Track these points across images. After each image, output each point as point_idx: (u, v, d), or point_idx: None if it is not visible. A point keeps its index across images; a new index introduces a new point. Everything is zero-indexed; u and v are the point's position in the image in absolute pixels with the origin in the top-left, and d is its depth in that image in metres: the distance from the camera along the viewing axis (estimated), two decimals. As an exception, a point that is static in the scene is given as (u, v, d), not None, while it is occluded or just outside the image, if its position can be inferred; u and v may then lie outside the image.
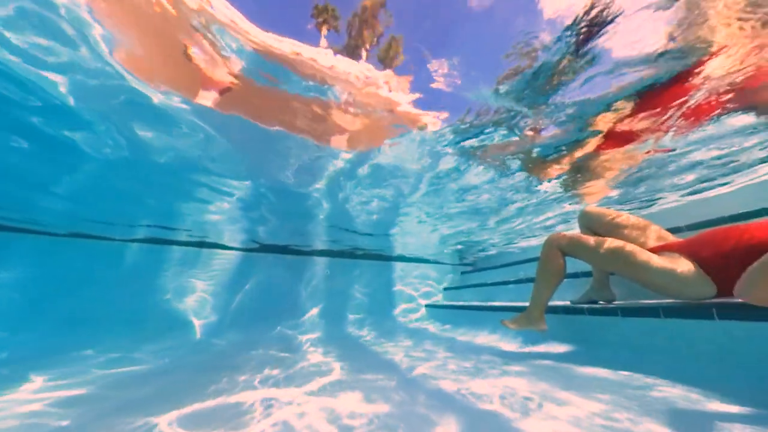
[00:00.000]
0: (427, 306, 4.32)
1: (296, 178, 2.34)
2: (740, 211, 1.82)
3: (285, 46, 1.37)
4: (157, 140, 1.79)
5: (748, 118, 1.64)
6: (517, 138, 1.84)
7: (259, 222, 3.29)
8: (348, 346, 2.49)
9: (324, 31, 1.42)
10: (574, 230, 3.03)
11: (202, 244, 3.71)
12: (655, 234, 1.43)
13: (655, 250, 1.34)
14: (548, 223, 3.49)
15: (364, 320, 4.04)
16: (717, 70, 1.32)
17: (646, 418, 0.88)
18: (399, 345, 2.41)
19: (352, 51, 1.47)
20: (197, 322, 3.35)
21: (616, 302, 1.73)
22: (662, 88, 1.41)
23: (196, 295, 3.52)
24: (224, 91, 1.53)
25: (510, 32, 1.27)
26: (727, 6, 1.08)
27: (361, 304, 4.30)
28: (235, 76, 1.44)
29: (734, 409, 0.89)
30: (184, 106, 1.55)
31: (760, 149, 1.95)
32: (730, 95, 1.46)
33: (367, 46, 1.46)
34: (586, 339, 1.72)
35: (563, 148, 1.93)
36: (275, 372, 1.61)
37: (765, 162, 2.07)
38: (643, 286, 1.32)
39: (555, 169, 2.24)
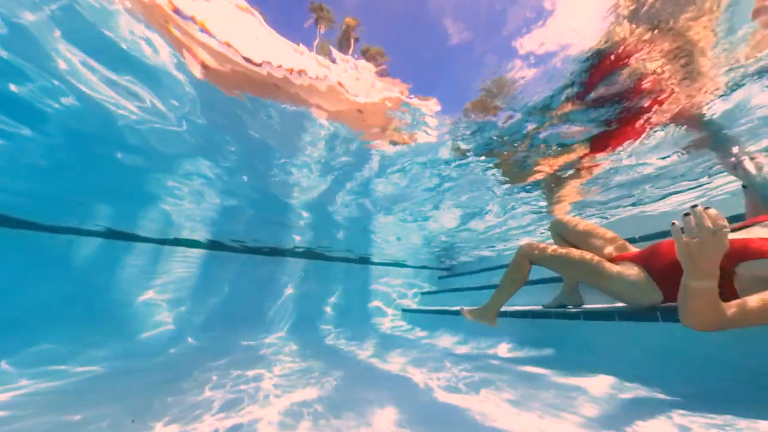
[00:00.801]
0: (403, 310, 4.41)
1: (276, 165, 2.28)
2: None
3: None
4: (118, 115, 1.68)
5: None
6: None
7: (229, 218, 3.20)
8: (320, 350, 2.49)
9: (322, 29, 1.49)
10: (548, 240, 3.26)
11: (164, 241, 3.53)
12: (616, 244, 1.62)
13: (614, 260, 1.51)
14: (528, 229, 3.73)
15: (338, 324, 4.03)
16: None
17: (595, 414, 1.01)
18: (373, 349, 2.45)
19: (342, 44, 1.58)
20: (152, 327, 3.15)
21: (584, 307, 1.92)
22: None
23: (153, 297, 3.30)
24: (204, 65, 1.50)
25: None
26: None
27: (336, 308, 4.29)
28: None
29: (675, 400, 1.04)
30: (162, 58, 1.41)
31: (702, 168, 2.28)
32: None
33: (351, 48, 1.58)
34: (554, 341, 1.88)
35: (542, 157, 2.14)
36: (239, 385, 1.49)
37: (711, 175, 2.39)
38: (602, 292, 1.49)
39: (533, 177, 2.45)
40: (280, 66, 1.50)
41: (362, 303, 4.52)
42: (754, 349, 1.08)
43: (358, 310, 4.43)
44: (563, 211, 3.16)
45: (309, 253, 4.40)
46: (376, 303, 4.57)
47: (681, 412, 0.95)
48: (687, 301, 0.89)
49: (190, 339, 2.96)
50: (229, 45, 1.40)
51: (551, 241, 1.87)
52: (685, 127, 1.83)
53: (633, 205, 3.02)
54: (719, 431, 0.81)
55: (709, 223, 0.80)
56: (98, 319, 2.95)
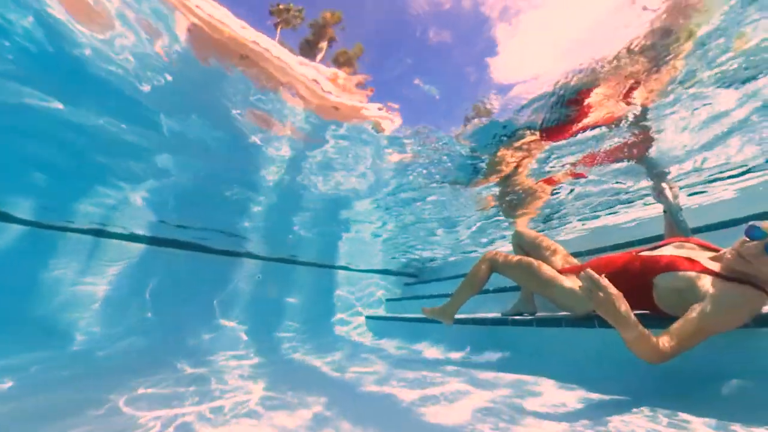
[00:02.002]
0: (367, 317, 4.48)
1: (234, 146, 2.19)
2: (628, 240, 2.49)
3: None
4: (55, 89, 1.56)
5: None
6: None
7: (179, 210, 3.01)
8: (275, 360, 2.46)
9: (278, 29, 1.53)
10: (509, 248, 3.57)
11: (100, 233, 3.19)
12: (564, 258, 1.88)
13: (561, 272, 1.76)
14: (492, 236, 4.04)
15: (297, 332, 3.97)
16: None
17: (542, 412, 1.19)
18: (334, 357, 2.47)
19: (307, 51, 1.64)
20: (84, 328, 2.84)
21: (537, 315, 2.17)
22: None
23: (87, 295, 2.98)
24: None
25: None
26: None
27: (295, 314, 4.21)
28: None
29: (606, 398, 1.26)
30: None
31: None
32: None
33: (323, 46, 1.64)
34: (510, 346, 2.10)
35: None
36: (181, 390, 1.45)
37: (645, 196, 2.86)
38: (548, 300, 1.73)
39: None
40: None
41: (324, 308, 4.49)
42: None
43: (320, 315, 4.40)
44: (524, 224, 3.51)
45: (268, 254, 4.26)
46: (338, 309, 4.56)
47: (611, 408, 1.16)
48: (632, 349, 1.05)
49: (126, 344, 2.73)
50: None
51: (512, 251, 2.11)
52: (633, 161, 2.21)
53: (586, 220, 3.47)
54: (646, 421, 1.02)
55: (592, 285, 1.01)
56: (18, 321, 2.58)
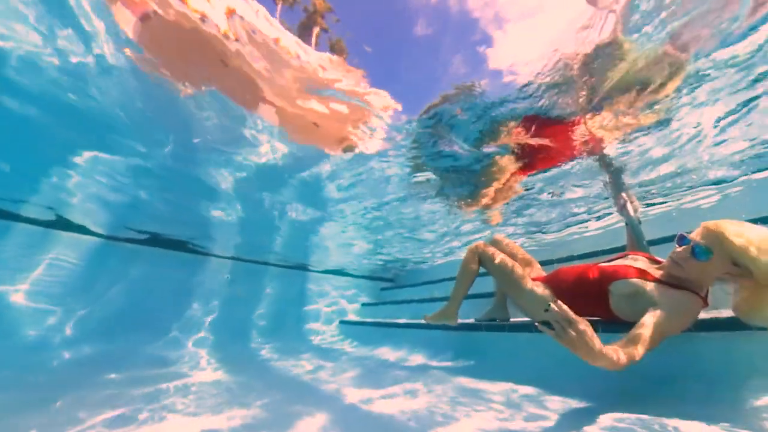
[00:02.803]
0: (341, 322, 4.47)
1: (209, 151, 2.20)
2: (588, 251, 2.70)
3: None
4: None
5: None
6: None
7: (144, 203, 2.86)
8: (241, 364, 2.42)
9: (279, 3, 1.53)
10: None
11: (54, 224, 2.95)
12: (532, 267, 2.03)
13: (531, 280, 1.89)
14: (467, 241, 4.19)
15: (268, 335, 3.89)
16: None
17: (512, 414, 1.28)
18: (303, 363, 2.46)
19: (302, 31, 1.64)
20: (33, 329, 2.62)
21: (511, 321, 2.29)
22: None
23: (37, 293, 2.75)
24: (144, 18, 1.40)
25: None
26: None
27: (266, 317, 4.12)
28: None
29: (569, 399, 1.38)
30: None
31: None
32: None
33: (317, 32, 1.65)
34: (484, 352, 2.20)
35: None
36: (132, 396, 1.39)
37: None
38: (515, 305, 1.85)
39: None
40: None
41: (296, 312, 4.43)
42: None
43: (291, 319, 4.33)
44: (496, 221, 3.67)
45: (239, 254, 4.13)
46: (312, 313, 4.52)
47: (575, 407, 1.27)
48: (597, 365, 1.07)
49: (76, 345, 2.54)
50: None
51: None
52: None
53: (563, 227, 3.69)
54: (613, 421, 1.13)
55: (564, 322, 1.00)
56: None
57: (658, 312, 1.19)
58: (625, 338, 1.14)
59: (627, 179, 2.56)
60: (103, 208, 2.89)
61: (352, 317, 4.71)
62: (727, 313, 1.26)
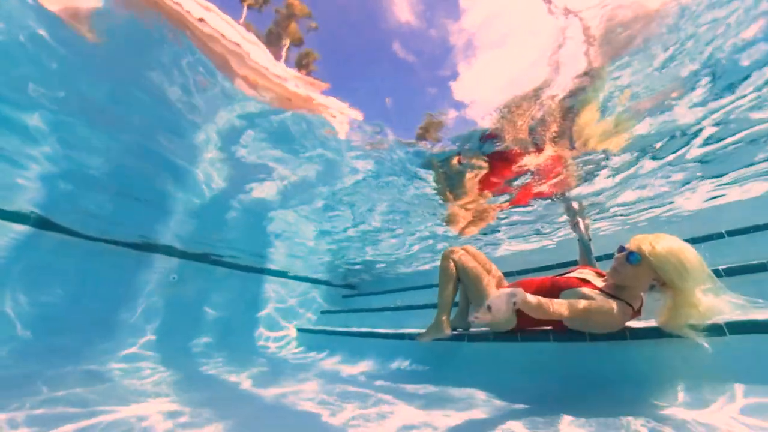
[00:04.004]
0: (299, 330, 4.36)
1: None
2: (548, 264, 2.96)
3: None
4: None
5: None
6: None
7: (80, 187, 2.59)
8: (186, 373, 2.28)
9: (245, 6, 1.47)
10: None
11: None
12: (497, 278, 2.18)
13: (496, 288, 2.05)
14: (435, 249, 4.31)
15: (217, 342, 3.67)
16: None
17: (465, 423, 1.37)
18: (256, 374, 2.38)
19: (272, 41, 1.59)
20: None
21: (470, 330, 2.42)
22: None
23: None
24: None
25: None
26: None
27: (216, 322, 3.89)
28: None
29: (523, 404, 1.51)
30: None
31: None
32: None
33: (287, 43, 1.61)
34: (443, 361, 2.31)
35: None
36: (63, 407, 1.30)
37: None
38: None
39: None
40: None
41: (249, 317, 4.23)
42: (573, 359, 1.68)
43: (243, 324, 4.12)
44: (470, 234, 3.87)
45: (186, 250, 3.86)
46: (266, 319, 4.35)
47: (528, 411, 1.39)
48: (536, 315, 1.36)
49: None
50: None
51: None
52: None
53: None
54: (569, 424, 1.25)
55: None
56: None
57: (591, 302, 1.42)
58: (562, 300, 1.41)
59: (580, 200, 2.88)
60: (32, 194, 2.57)
61: (310, 325, 4.61)
62: (654, 322, 1.48)
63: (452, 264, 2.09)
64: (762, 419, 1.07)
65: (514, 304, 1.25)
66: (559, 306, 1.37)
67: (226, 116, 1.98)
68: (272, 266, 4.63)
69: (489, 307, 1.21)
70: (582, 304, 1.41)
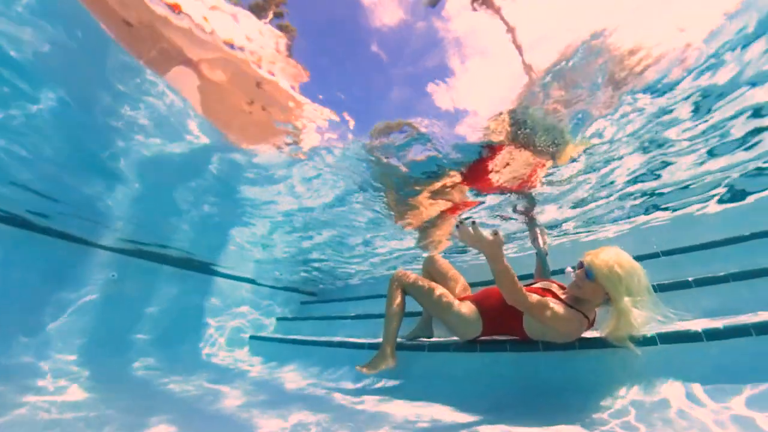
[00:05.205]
0: (251, 337, 4.15)
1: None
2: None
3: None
4: None
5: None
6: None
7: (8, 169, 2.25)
8: (122, 383, 2.08)
9: None
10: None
11: None
12: (463, 287, 2.25)
13: (459, 299, 2.10)
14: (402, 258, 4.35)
15: (158, 348, 3.36)
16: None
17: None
18: (202, 384, 2.23)
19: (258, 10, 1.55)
20: None
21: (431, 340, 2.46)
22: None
23: None
24: None
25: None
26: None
27: (157, 327, 3.56)
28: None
29: (479, 414, 1.55)
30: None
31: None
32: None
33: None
34: (403, 370, 2.30)
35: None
36: None
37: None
38: (442, 324, 2.02)
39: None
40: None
41: (195, 321, 3.93)
42: (528, 368, 1.77)
43: (188, 329, 3.83)
44: (438, 250, 3.96)
45: (128, 247, 3.51)
46: (215, 325, 4.07)
47: (484, 421, 1.44)
48: (502, 283, 1.47)
49: None
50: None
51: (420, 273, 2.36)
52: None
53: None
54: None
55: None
56: None
57: (558, 310, 1.53)
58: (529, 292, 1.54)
59: (540, 217, 3.09)
60: None
61: (263, 332, 4.40)
62: (598, 333, 1.62)
63: (399, 290, 2.05)
64: (698, 414, 1.21)
65: (497, 233, 1.37)
66: (527, 294, 1.51)
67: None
68: (224, 267, 4.35)
69: (474, 223, 1.33)
70: (548, 310, 1.51)
